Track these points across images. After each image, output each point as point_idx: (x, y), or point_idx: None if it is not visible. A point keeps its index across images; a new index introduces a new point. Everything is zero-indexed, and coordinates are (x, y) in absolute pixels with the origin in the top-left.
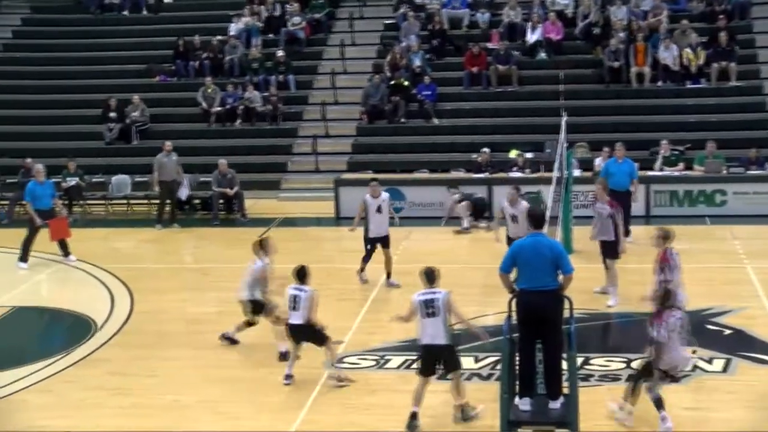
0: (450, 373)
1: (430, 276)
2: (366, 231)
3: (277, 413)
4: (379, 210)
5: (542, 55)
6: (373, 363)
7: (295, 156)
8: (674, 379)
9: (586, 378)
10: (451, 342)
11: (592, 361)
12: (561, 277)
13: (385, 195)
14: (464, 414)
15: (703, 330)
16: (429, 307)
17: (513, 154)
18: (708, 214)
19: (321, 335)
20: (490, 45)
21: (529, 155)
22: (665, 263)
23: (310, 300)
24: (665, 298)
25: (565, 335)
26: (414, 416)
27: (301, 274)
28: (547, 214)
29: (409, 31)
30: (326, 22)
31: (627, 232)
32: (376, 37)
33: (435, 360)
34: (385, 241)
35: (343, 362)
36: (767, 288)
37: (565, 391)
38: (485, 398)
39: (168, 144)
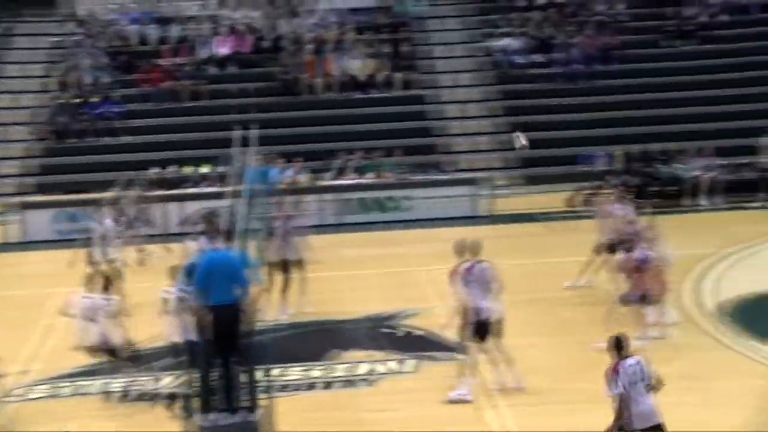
0: None
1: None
2: None
3: None
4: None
5: (227, 69)
6: (47, 392)
7: None
8: None
9: (282, 388)
10: (185, 341)
11: (287, 371)
12: (245, 290)
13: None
14: None
15: (387, 334)
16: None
17: (195, 169)
18: (392, 220)
19: None
20: (177, 60)
21: (217, 169)
22: (458, 276)
23: None
24: (618, 347)
25: (249, 347)
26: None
27: None
28: (238, 227)
29: (88, 47)
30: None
31: None
32: (48, 54)
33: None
34: None
35: (13, 394)
36: (444, 288)
37: (256, 402)
38: (170, 414)
39: None
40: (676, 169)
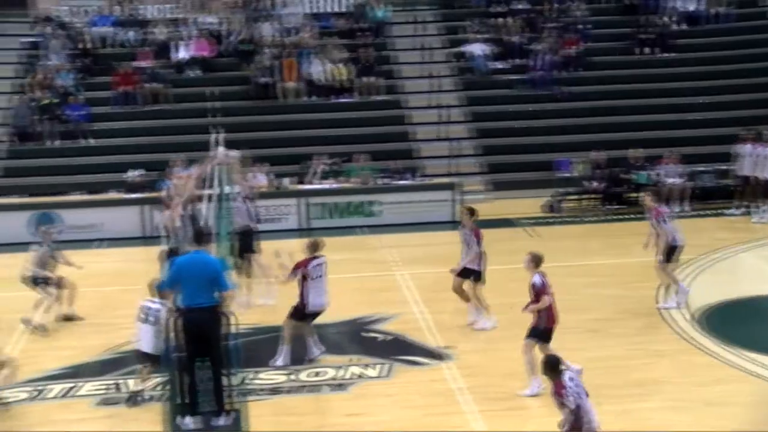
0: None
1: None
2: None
3: None
4: None
5: (193, 72)
6: (30, 395)
7: None
8: None
9: (253, 392)
10: (157, 353)
11: (258, 375)
12: (220, 294)
13: None
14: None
15: (362, 338)
16: (149, 315)
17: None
18: (362, 225)
19: None
20: (140, 63)
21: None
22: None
23: None
24: (553, 368)
25: (228, 351)
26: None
27: None
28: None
29: (55, 49)
30: None
31: None
32: (19, 55)
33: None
34: None
35: None
36: (419, 293)
37: (232, 406)
38: (151, 420)
39: None
40: (647, 175)
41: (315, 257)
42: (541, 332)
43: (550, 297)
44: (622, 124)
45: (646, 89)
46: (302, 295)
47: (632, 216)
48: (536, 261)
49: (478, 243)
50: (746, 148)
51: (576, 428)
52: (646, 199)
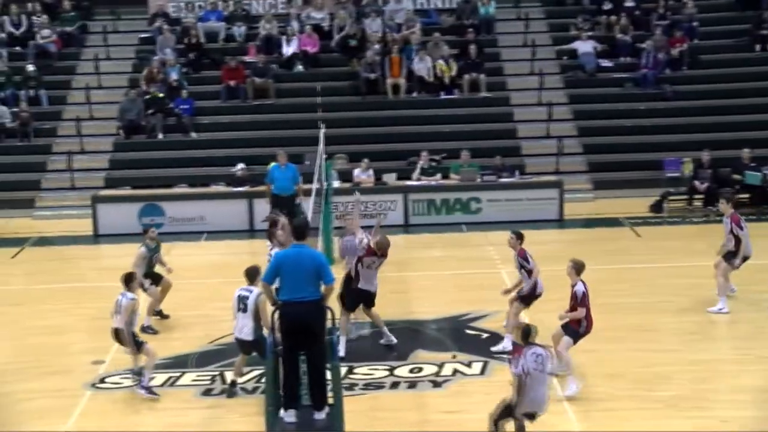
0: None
1: (250, 274)
2: None
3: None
4: None
5: (299, 67)
6: (135, 382)
7: (50, 173)
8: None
9: (351, 387)
10: (257, 338)
11: (355, 370)
12: (323, 288)
13: None
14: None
15: (463, 335)
16: (242, 303)
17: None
18: (464, 222)
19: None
20: (246, 58)
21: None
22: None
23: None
24: (524, 336)
25: (328, 345)
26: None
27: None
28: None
29: (165, 44)
30: (78, 35)
31: None
32: (131, 50)
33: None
34: None
35: (105, 382)
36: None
37: (330, 401)
38: (251, 412)
39: None
40: (764, 176)
41: (375, 254)
42: (576, 335)
43: (587, 306)
44: (732, 124)
45: (761, 87)
46: (354, 278)
47: (750, 216)
48: (578, 268)
49: (530, 261)
50: None
51: (519, 395)
52: (723, 204)
